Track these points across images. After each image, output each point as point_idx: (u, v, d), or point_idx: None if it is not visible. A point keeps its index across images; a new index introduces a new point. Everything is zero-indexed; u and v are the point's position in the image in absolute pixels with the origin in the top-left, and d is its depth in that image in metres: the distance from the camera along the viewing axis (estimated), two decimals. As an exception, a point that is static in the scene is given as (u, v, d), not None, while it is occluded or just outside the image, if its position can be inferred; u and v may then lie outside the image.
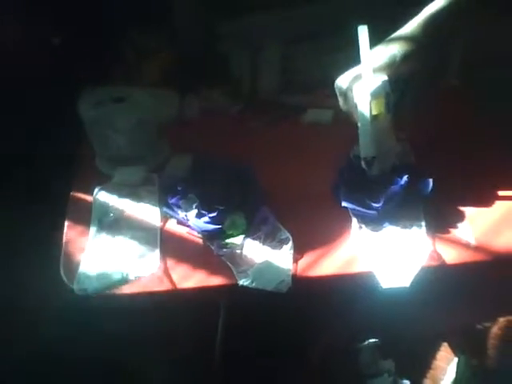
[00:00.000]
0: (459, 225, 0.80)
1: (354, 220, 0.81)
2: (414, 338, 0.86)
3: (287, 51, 1.05)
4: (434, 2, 0.73)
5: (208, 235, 0.80)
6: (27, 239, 0.85)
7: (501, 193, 0.85)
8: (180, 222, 0.82)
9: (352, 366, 0.89)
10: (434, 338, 0.85)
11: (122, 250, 0.78)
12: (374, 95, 0.71)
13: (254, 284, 0.73)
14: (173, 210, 0.82)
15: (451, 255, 0.76)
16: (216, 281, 0.75)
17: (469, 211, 0.82)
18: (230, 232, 0.79)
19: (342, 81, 0.75)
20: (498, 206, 0.83)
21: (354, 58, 0.76)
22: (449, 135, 0.94)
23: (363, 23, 0.72)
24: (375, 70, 0.72)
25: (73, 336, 0.78)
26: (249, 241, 0.79)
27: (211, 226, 0.79)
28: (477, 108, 0.99)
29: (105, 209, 0.84)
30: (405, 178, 0.79)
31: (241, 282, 0.73)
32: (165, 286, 0.74)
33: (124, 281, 0.73)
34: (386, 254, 0.76)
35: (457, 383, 0.85)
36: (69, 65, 1.03)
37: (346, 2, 1.03)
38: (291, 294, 0.72)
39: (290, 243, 0.78)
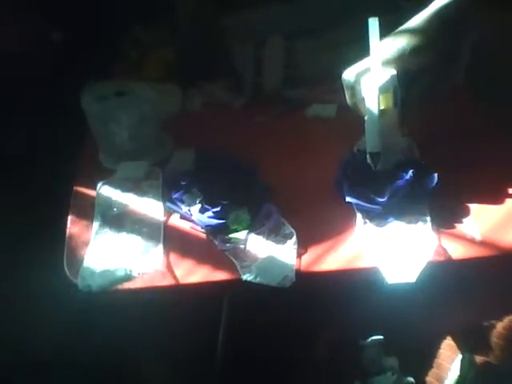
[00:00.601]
0: (464, 220, 0.80)
1: (359, 215, 0.80)
2: (419, 335, 0.85)
3: (290, 45, 1.05)
4: None
5: (211, 230, 0.79)
6: (30, 234, 0.84)
7: (507, 188, 0.84)
8: (183, 217, 0.82)
9: (356, 363, 0.89)
10: (438, 336, 0.85)
11: (126, 245, 0.77)
12: (383, 89, 0.71)
13: (257, 279, 0.72)
14: (176, 205, 0.82)
15: (457, 251, 0.76)
16: (219, 276, 0.74)
17: (474, 206, 0.82)
18: (234, 227, 0.79)
19: (350, 74, 0.75)
20: (504, 201, 0.83)
21: (357, 52, 0.75)
22: (453, 131, 0.94)
23: (368, 16, 0.72)
24: (383, 64, 0.72)
25: (76, 332, 0.78)
26: (252, 236, 0.79)
27: (215, 221, 0.78)
28: (482, 104, 0.99)
29: (108, 204, 0.84)
30: (410, 172, 0.79)
31: (244, 277, 0.73)
32: (168, 282, 0.74)
33: (128, 277, 0.72)
34: (391, 250, 0.75)
35: (461, 382, 0.84)
36: (71, 60, 1.03)
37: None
38: (295, 289, 0.72)
39: (294, 238, 0.77)
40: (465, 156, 0.89)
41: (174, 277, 0.74)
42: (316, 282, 0.76)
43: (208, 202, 0.80)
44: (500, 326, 0.86)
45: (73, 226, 0.81)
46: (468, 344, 0.84)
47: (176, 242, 0.79)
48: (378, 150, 0.75)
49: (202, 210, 0.79)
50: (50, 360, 0.83)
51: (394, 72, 0.72)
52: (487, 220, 0.80)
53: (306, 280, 0.74)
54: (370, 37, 0.70)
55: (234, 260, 0.75)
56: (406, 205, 0.79)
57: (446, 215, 0.80)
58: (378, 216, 0.79)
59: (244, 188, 0.83)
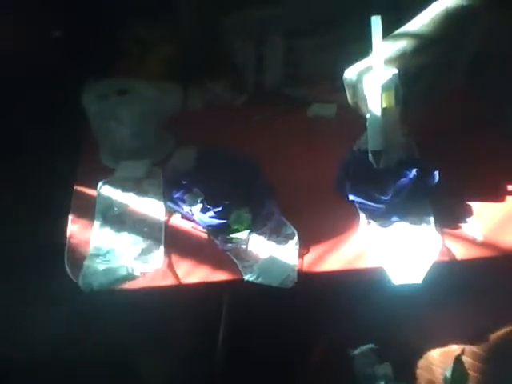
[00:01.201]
0: (467, 220, 0.79)
1: (362, 215, 0.80)
2: (420, 341, 0.85)
3: (291, 44, 1.04)
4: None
5: (213, 230, 0.79)
6: (30, 234, 0.84)
7: (509, 187, 0.84)
8: (184, 217, 0.82)
9: (348, 369, 0.88)
10: (441, 342, 0.84)
11: (127, 244, 0.77)
12: (385, 88, 0.71)
13: (259, 279, 0.72)
14: (177, 205, 0.81)
15: (460, 251, 0.76)
16: (221, 276, 0.74)
17: (476, 206, 0.81)
18: (235, 227, 0.79)
19: (351, 73, 0.74)
20: (507, 200, 0.82)
21: (359, 52, 0.75)
22: (454, 130, 0.94)
23: (370, 14, 0.71)
24: (385, 63, 0.71)
25: (76, 331, 0.78)
26: (254, 236, 0.79)
27: (216, 221, 0.78)
28: (484, 104, 0.99)
29: (109, 203, 0.83)
30: (414, 171, 0.78)
31: (246, 278, 0.73)
32: (169, 281, 0.74)
33: (129, 276, 0.72)
34: (395, 250, 0.75)
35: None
36: (71, 59, 1.02)
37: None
38: (297, 289, 0.72)
39: (296, 238, 0.77)
40: (466, 155, 0.89)
41: (176, 276, 0.74)
42: (318, 282, 0.76)
43: (209, 201, 0.79)
44: (488, 342, 0.84)
45: (73, 225, 0.81)
46: (462, 351, 0.83)
47: (177, 241, 0.79)
48: (381, 148, 0.75)
49: (204, 210, 0.79)
50: (49, 359, 0.82)
51: (396, 71, 0.72)
52: (490, 220, 0.80)
53: (308, 280, 0.74)
54: (373, 35, 0.70)
55: (235, 260, 0.75)
56: (409, 204, 0.79)
57: (449, 215, 0.80)
58: (381, 215, 0.79)
59: (246, 188, 0.82)
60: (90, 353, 0.84)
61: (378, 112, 0.72)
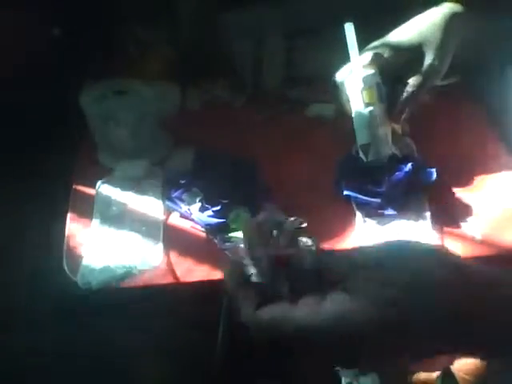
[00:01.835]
0: (465, 219, 0.80)
1: (358, 214, 0.80)
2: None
3: (290, 44, 1.05)
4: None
5: (211, 229, 0.79)
6: (29, 233, 0.84)
7: (508, 187, 0.84)
8: (183, 216, 0.82)
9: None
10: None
11: (125, 243, 0.77)
12: (365, 84, 0.74)
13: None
14: (176, 204, 0.82)
15: (458, 249, 0.76)
16: (219, 275, 0.74)
17: (474, 205, 0.82)
18: (234, 226, 0.79)
19: (339, 75, 0.78)
20: (505, 200, 0.83)
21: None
22: (452, 130, 0.94)
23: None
24: (365, 66, 0.75)
25: (74, 330, 0.77)
26: (252, 235, 0.78)
27: (215, 220, 0.78)
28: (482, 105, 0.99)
29: (107, 202, 0.84)
30: (409, 165, 0.80)
31: (245, 276, 0.73)
32: (168, 280, 0.74)
33: (128, 274, 0.72)
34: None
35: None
36: (70, 59, 1.02)
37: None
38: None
39: (294, 237, 0.77)
40: (464, 154, 0.89)
41: (174, 275, 0.74)
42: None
43: (208, 200, 0.79)
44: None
45: (72, 224, 0.81)
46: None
47: (176, 240, 0.79)
48: (367, 141, 0.76)
49: (202, 209, 0.79)
50: (48, 357, 0.82)
51: (374, 70, 0.75)
52: (488, 219, 0.80)
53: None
54: (348, 40, 0.75)
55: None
56: (405, 201, 0.80)
57: (446, 213, 0.80)
58: (377, 211, 0.79)
59: (244, 187, 0.82)
60: (87, 350, 0.84)
61: (360, 108, 0.75)
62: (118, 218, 0.81)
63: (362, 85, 0.74)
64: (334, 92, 0.79)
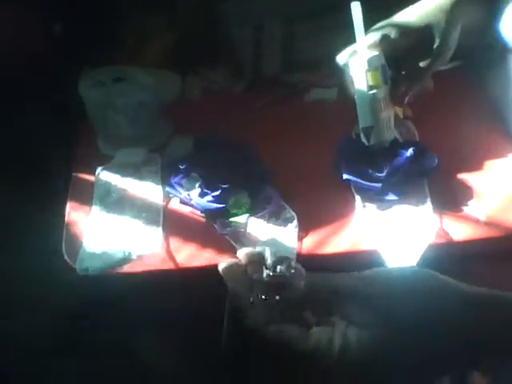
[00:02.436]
0: (467, 201, 0.79)
1: (358, 197, 0.80)
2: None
3: (290, 29, 1.04)
4: None
5: (211, 214, 0.79)
6: (28, 220, 0.84)
7: (509, 169, 0.84)
8: (183, 202, 0.81)
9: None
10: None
11: (125, 229, 0.77)
12: (370, 65, 0.72)
13: (258, 263, 0.72)
14: (175, 190, 0.81)
15: (460, 232, 0.75)
16: (219, 260, 0.73)
17: (477, 186, 0.81)
18: (234, 211, 0.79)
19: (340, 57, 0.76)
20: (508, 182, 0.82)
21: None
22: (454, 114, 0.93)
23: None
24: (370, 47, 0.73)
25: (74, 317, 0.77)
26: (253, 220, 0.78)
27: (214, 205, 0.78)
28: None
29: (107, 189, 0.83)
30: (410, 150, 0.79)
31: (245, 261, 0.72)
32: (167, 265, 0.74)
33: (126, 260, 0.72)
34: (391, 232, 0.75)
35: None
36: (69, 46, 1.02)
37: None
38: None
39: (295, 222, 0.77)
40: (466, 137, 0.89)
41: (173, 260, 0.74)
42: (317, 265, 0.76)
43: (207, 186, 0.79)
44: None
45: (71, 210, 0.81)
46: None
47: (176, 226, 0.79)
48: (370, 124, 0.75)
49: (202, 194, 0.79)
50: (47, 347, 0.82)
51: (379, 52, 0.73)
52: (491, 200, 0.79)
53: (307, 263, 0.72)
54: (354, 20, 0.72)
55: (234, 244, 0.75)
56: (405, 186, 0.79)
57: (448, 196, 0.79)
58: (377, 195, 0.79)
59: (244, 172, 0.82)
60: (87, 340, 0.84)
61: (363, 89, 0.73)
62: (117, 204, 0.81)
63: (366, 66, 0.72)
64: (338, 73, 0.77)
